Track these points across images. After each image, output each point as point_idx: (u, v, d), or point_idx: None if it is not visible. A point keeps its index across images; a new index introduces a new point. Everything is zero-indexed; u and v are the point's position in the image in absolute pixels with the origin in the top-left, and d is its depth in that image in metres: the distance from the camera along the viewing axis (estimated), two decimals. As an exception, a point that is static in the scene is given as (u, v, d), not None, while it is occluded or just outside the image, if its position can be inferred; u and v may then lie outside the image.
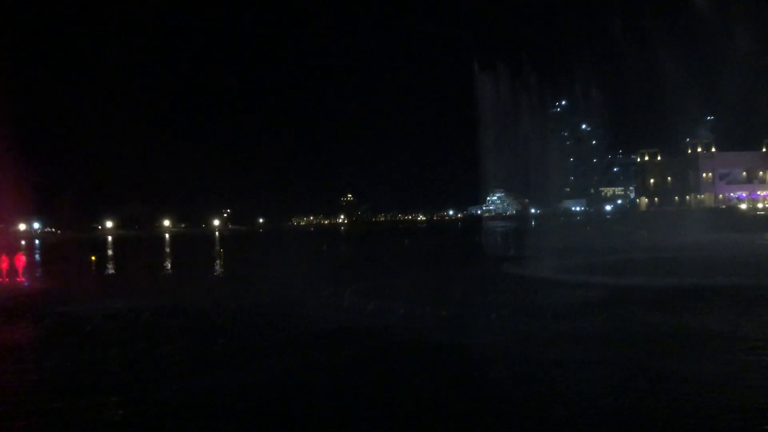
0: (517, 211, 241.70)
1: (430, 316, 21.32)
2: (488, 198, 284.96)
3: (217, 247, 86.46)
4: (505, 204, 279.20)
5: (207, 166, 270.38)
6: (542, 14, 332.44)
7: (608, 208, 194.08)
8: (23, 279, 36.37)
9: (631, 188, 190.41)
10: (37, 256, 71.27)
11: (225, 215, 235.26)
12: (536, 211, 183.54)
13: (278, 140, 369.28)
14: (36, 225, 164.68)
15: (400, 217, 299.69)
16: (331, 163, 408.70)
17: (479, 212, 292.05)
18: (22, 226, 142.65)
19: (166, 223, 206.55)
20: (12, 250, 36.92)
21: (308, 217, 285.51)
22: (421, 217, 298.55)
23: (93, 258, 61.54)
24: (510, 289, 28.28)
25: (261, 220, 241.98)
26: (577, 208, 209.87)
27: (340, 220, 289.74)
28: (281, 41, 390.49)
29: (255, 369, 15.05)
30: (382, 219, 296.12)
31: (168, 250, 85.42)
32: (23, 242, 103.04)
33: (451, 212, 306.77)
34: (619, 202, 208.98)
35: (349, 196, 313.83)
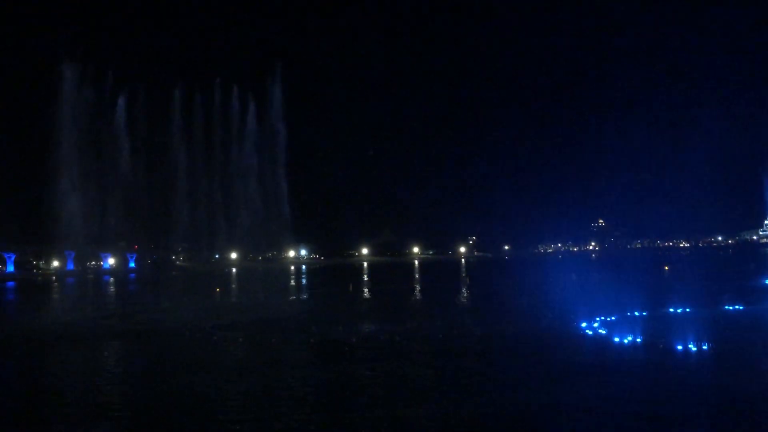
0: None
1: (697, 354, 18.69)
2: (766, 221, 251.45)
3: (464, 274, 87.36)
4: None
5: (454, 195, 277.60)
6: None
7: None
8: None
9: None
10: (303, 280, 78.77)
11: (470, 242, 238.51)
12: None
13: (525, 168, 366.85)
14: (303, 252, 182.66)
15: (659, 244, 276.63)
16: (581, 187, 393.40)
17: (755, 237, 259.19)
18: (291, 253, 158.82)
19: (416, 250, 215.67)
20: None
21: (555, 244, 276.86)
22: (683, 244, 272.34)
23: (350, 283, 65.97)
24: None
25: (506, 248, 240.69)
26: None
27: (591, 247, 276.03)
28: (528, 72, 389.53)
29: (498, 399, 14.61)
30: (638, 245, 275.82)
31: (417, 275, 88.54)
32: (292, 267, 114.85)
33: (719, 237, 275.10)
34: None
35: (601, 221, 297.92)
